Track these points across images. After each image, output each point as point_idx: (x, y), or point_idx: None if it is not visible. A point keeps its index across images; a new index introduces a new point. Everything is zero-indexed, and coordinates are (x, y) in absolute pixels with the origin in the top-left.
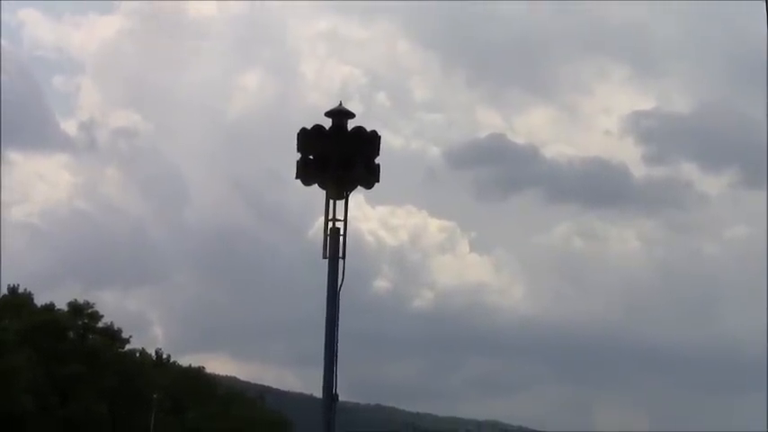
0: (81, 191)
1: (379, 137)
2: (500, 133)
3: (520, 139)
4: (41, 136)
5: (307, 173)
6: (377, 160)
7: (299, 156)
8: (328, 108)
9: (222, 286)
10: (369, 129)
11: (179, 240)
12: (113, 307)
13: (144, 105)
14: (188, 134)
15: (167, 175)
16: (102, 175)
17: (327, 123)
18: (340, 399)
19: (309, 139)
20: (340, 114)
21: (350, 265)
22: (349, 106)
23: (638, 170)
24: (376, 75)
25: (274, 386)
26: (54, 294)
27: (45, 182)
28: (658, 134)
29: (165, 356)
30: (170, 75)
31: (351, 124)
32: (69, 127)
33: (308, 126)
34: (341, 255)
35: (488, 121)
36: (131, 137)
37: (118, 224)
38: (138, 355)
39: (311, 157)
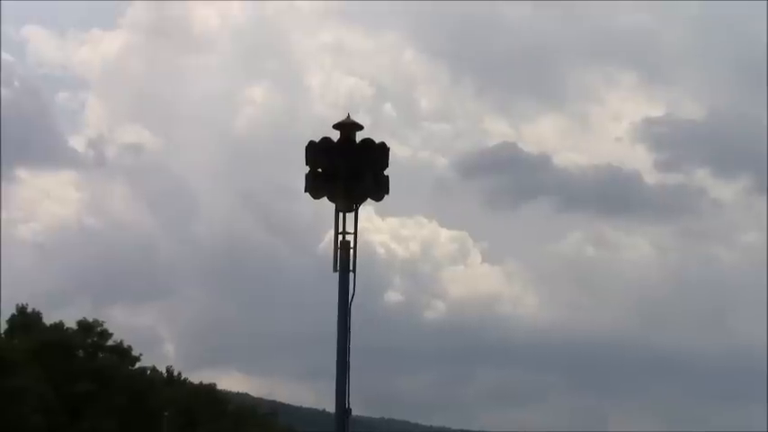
0: (89, 207)
1: (388, 148)
2: (511, 142)
3: (530, 148)
4: (49, 153)
5: (316, 186)
6: (386, 172)
7: (307, 169)
8: (335, 120)
9: (232, 301)
10: (376, 140)
11: (188, 255)
12: (123, 324)
13: (151, 120)
14: (196, 148)
15: (176, 189)
16: (111, 190)
17: (335, 136)
18: (353, 413)
19: (318, 151)
20: (348, 126)
21: (361, 277)
22: (355, 117)
23: (651, 177)
24: (382, 85)
25: (286, 402)
26: (63, 313)
27: (52, 199)
28: (670, 141)
29: (175, 374)
30: (176, 89)
31: (359, 136)
32: (77, 143)
33: (316, 139)
34: (351, 267)
35: (497, 130)
36: (139, 152)
37: (126, 240)
38: (148, 372)
39: (320, 170)
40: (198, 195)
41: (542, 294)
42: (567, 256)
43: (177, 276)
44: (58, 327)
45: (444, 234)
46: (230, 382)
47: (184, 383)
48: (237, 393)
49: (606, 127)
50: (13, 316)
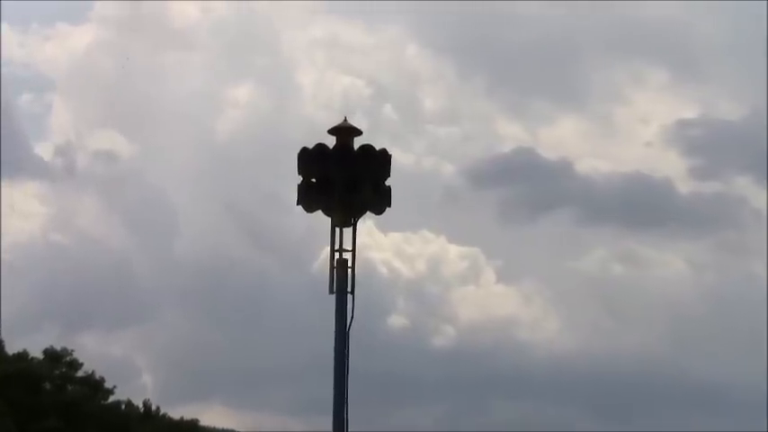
0: (56, 222)
1: (390, 155)
2: (527, 147)
3: (549, 154)
4: (11, 162)
5: (309, 198)
6: (387, 182)
7: (299, 179)
8: (330, 124)
9: (217, 326)
10: (376, 146)
11: (167, 275)
12: (95, 352)
13: (125, 125)
14: (175, 155)
15: (153, 201)
16: (81, 203)
17: (331, 142)
18: None
19: (311, 159)
20: (345, 131)
21: (360, 300)
22: (352, 121)
23: (685, 185)
24: (381, 84)
25: None
26: (27, 341)
27: (16, 213)
28: (706, 145)
29: (153, 408)
30: (153, 89)
31: (357, 142)
32: (43, 151)
33: (310, 145)
34: (350, 289)
35: (512, 134)
36: (112, 160)
37: (99, 259)
38: (123, 407)
39: (314, 180)
40: (178, 208)
41: (563, 317)
42: (591, 274)
43: (155, 299)
44: (22, 356)
45: (453, 251)
46: (214, 416)
47: (163, 419)
48: (223, 430)
49: (634, 130)
50: None
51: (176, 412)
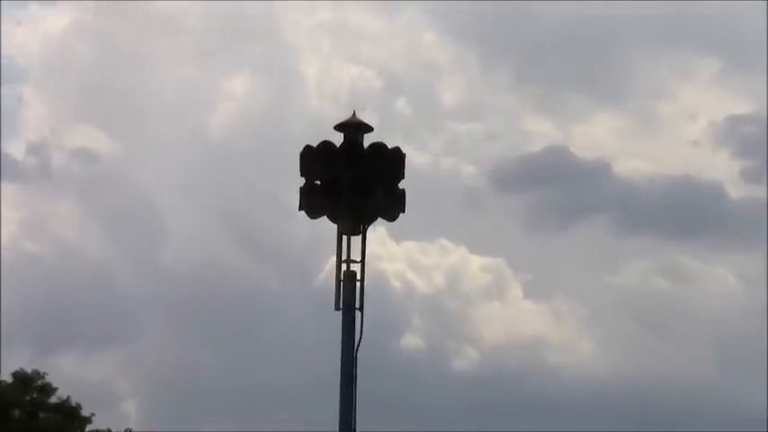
0: (30, 229)
1: (404, 155)
2: (559, 145)
3: (584, 153)
4: None
5: (313, 202)
6: (401, 185)
7: (302, 181)
8: (337, 119)
9: (209, 346)
10: (389, 145)
11: (154, 288)
12: (71, 376)
13: (106, 120)
14: (162, 154)
15: (138, 206)
16: (57, 208)
17: (337, 139)
18: None
19: (316, 159)
20: (353, 128)
21: (370, 317)
22: (362, 116)
23: (736, 190)
24: (395, 75)
25: None
26: None
27: None
28: (760, 144)
29: None
30: (138, 80)
31: (367, 140)
32: (15, 149)
33: (314, 143)
34: (358, 305)
35: (541, 131)
36: (92, 160)
37: (76, 270)
38: None
39: (318, 182)
40: (166, 213)
41: (599, 338)
42: (631, 289)
43: (140, 315)
44: None
45: (476, 262)
46: None
47: None
48: None
49: (679, 127)
50: None
51: None
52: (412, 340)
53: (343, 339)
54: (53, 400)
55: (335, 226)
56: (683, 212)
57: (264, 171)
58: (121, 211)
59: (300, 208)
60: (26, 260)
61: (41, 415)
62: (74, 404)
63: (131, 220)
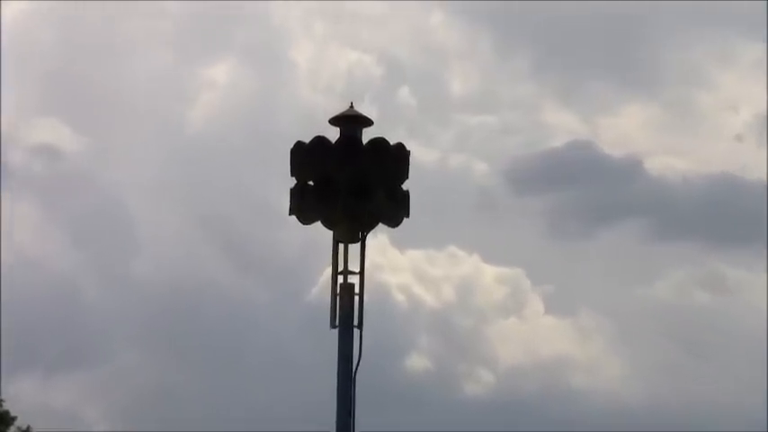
0: None
1: (408, 152)
2: (583, 140)
3: (611, 149)
4: None
5: (305, 206)
6: (405, 185)
7: (293, 182)
8: (332, 112)
9: (188, 369)
10: (391, 140)
11: (125, 304)
12: (32, 403)
13: (72, 113)
14: (135, 151)
15: (107, 210)
16: (15, 212)
17: (332, 134)
18: None
19: (308, 157)
20: (351, 121)
21: (370, 335)
22: (360, 107)
23: None
24: (397, 62)
25: None
26: None
27: None
28: None
29: None
30: (108, 69)
31: (366, 135)
32: None
33: (306, 139)
34: (357, 322)
35: (564, 124)
36: (55, 157)
37: (37, 283)
38: None
39: (311, 183)
40: (138, 218)
41: (630, 358)
42: (666, 303)
43: (109, 334)
44: None
45: (490, 273)
46: None
47: None
48: None
49: (720, 119)
50: None
51: None
52: (418, 361)
53: (339, 361)
54: (12, 430)
55: (331, 233)
56: (724, 215)
57: (250, 171)
58: (88, 215)
59: (291, 212)
60: None
61: None
62: None
63: (99, 225)
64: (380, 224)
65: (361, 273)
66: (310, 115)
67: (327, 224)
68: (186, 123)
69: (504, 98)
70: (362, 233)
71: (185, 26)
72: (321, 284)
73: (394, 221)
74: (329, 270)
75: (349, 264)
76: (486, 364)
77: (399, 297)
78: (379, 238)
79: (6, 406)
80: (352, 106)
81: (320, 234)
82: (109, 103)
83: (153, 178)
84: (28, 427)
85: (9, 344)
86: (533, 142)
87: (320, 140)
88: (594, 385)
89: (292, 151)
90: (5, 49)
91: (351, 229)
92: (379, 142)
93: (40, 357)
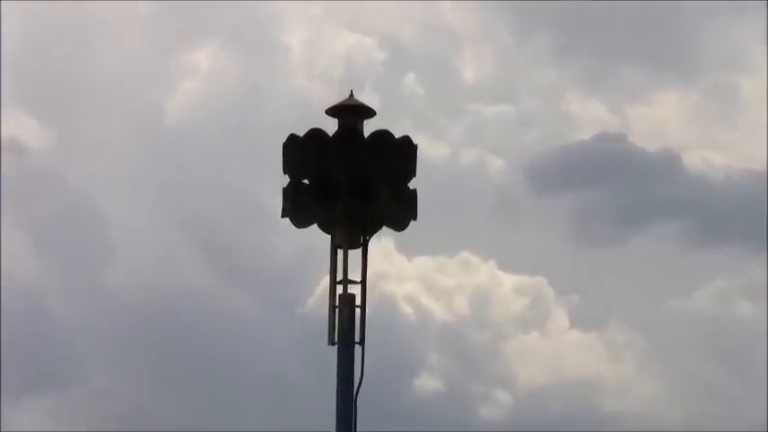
0: None
1: (415, 146)
2: (613, 133)
3: (644, 143)
4: None
5: (300, 207)
6: (412, 184)
7: (286, 180)
8: (329, 101)
9: (169, 390)
10: (396, 133)
11: (98, 318)
12: None
13: (38, 105)
14: (108, 147)
15: (77, 212)
16: None
17: (331, 126)
18: None
19: (303, 152)
20: (351, 112)
21: (373, 353)
22: (360, 97)
23: None
24: (401, 45)
25: None
26: None
27: None
28: None
29: None
30: (78, 54)
31: (368, 127)
32: None
33: (301, 132)
34: (358, 338)
35: (590, 115)
36: (20, 154)
37: (1, 294)
38: None
39: (307, 181)
40: (113, 222)
41: (665, 377)
42: (706, 315)
43: (81, 352)
44: None
45: (509, 282)
46: None
47: None
48: None
49: (766, 108)
50: None
51: None
52: (427, 382)
53: (338, 382)
54: None
55: (329, 237)
56: None
57: (237, 167)
58: (56, 218)
59: (284, 214)
60: None
61: None
62: None
63: (69, 230)
64: (384, 227)
65: (363, 282)
66: (305, 105)
67: (325, 227)
68: (165, 114)
69: (523, 86)
70: (364, 237)
71: (163, 6)
72: (318, 295)
73: (400, 224)
74: (327, 279)
75: (349, 272)
76: (503, 384)
77: (406, 309)
78: (383, 244)
79: None
80: (351, 95)
81: (317, 239)
82: (79, 92)
83: (128, 176)
84: None
85: None
86: (556, 135)
87: (316, 133)
88: (625, 408)
89: (285, 145)
90: None
91: (351, 232)
92: (383, 135)
93: (3, 379)
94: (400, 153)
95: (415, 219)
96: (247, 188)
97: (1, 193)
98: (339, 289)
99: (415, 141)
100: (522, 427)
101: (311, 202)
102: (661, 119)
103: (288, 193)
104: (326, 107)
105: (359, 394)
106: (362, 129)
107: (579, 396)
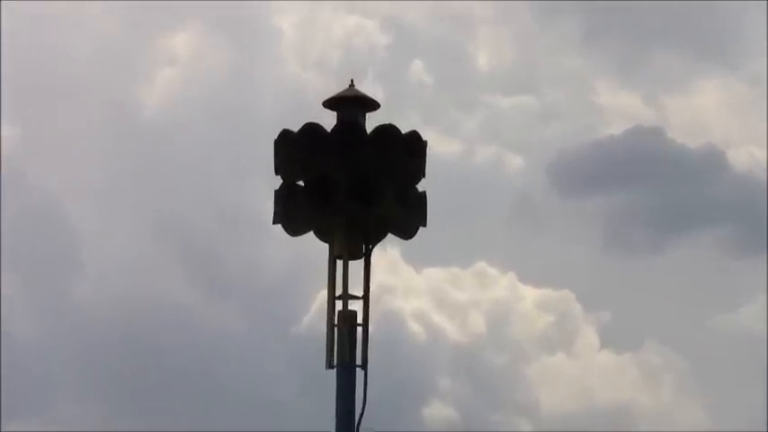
0: None
1: (425, 143)
2: (648, 127)
3: (684, 138)
4: None
5: (294, 212)
6: (421, 186)
7: (278, 181)
8: (327, 92)
9: (144, 421)
10: (402, 129)
11: (64, 338)
12: None
13: (1, 96)
14: (78, 144)
15: (42, 217)
16: None
17: (329, 120)
18: None
19: (298, 149)
20: (352, 104)
21: (378, 377)
22: (362, 87)
23: None
24: (406, 29)
25: None
26: None
27: None
28: None
29: None
30: (45, 41)
31: (371, 121)
32: None
33: (294, 126)
34: (360, 360)
35: (622, 108)
36: None
37: None
38: None
39: (301, 182)
40: (82, 228)
41: (708, 402)
42: (752, 332)
43: (46, 377)
44: None
45: (530, 296)
46: None
47: None
48: None
49: None
50: None
51: None
52: (439, 409)
53: (337, 410)
54: None
55: (327, 246)
56: None
57: (223, 167)
58: (19, 224)
59: (276, 220)
60: None
61: None
62: None
63: (33, 237)
64: (389, 235)
65: (366, 297)
66: (299, 96)
67: (322, 235)
68: (140, 108)
69: (546, 75)
70: (367, 246)
71: None
72: (314, 312)
73: (407, 231)
74: (324, 294)
75: (350, 286)
76: (525, 411)
77: (414, 328)
78: (387, 253)
79: None
80: (352, 85)
81: (313, 248)
82: (45, 84)
83: (99, 175)
84: None
85: None
86: (583, 130)
87: (312, 128)
88: None
89: (277, 142)
90: None
91: (352, 241)
92: (387, 130)
93: None
94: (407, 150)
95: (424, 225)
96: (234, 190)
97: None
98: (338, 305)
99: (423, 137)
100: None
101: (307, 207)
102: (702, 111)
103: (280, 197)
104: (323, 99)
105: (361, 424)
106: (364, 123)
107: (611, 425)
